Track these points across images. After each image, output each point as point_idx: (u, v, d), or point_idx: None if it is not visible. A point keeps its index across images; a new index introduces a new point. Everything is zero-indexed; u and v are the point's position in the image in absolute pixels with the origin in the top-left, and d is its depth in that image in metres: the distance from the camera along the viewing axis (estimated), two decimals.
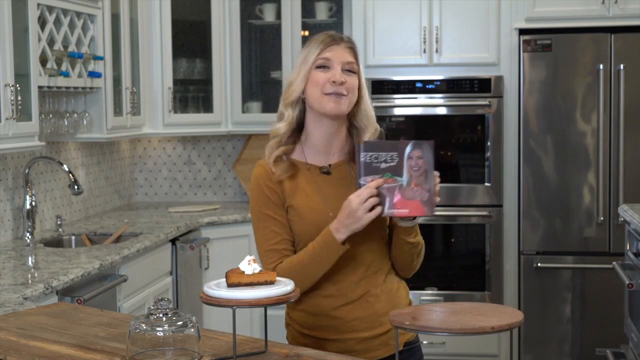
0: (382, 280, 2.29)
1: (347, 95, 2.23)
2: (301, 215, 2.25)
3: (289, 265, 2.22)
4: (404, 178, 2.10)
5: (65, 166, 4.05)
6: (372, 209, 2.10)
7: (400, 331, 2.25)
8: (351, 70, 2.25)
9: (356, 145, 2.15)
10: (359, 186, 2.12)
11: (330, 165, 2.29)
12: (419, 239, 2.28)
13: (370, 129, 2.29)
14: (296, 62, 2.33)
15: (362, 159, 2.11)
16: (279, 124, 2.31)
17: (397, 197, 2.10)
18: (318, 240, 2.19)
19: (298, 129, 2.31)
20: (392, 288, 2.31)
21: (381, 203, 2.11)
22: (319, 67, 2.25)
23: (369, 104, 2.30)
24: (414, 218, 2.18)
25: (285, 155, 2.29)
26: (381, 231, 2.27)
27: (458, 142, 4.91)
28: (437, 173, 2.12)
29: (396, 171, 2.11)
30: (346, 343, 2.25)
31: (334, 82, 2.22)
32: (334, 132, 2.29)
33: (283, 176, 2.26)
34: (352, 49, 2.28)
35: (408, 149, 2.11)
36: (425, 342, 4.60)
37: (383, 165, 2.11)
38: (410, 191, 2.10)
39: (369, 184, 2.10)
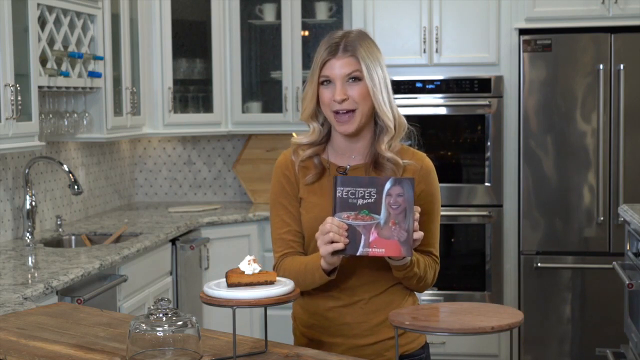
0: (381, 290, 2.24)
1: (355, 110, 2.18)
2: (307, 209, 2.25)
3: (290, 267, 2.22)
4: (382, 216, 2.00)
5: (65, 166, 4.05)
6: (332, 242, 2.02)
7: (400, 342, 2.26)
8: (356, 78, 2.18)
9: (333, 178, 2.06)
10: None
11: (349, 166, 2.26)
12: (415, 270, 2.16)
13: (390, 131, 2.21)
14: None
15: (337, 194, 2.02)
16: (301, 136, 2.29)
17: (373, 236, 2.00)
18: (313, 259, 2.15)
19: (328, 132, 2.30)
20: (393, 300, 2.25)
21: (350, 241, 2.01)
22: (323, 83, 2.21)
23: (384, 105, 2.19)
24: (403, 257, 2.07)
25: (317, 156, 2.28)
26: None
27: (458, 142, 4.91)
28: (417, 208, 2.03)
29: (373, 209, 2.01)
30: (336, 348, 2.23)
31: (335, 101, 2.18)
32: (355, 137, 2.25)
33: (311, 180, 2.26)
34: (354, 56, 2.18)
35: (387, 185, 2.01)
36: None
37: (360, 202, 2.01)
38: (387, 230, 2.00)
39: (334, 221, 2.01)
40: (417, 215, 2.03)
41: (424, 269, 2.20)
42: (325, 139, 2.30)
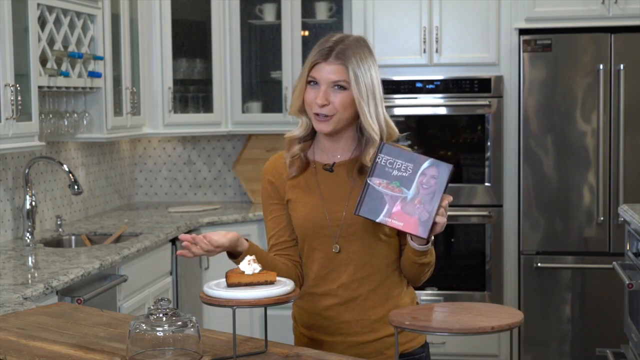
0: (376, 284, 2.24)
1: (332, 115, 2.19)
2: (296, 208, 2.27)
3: None
4: (411, 192, 2.05)
5: (65, 166, 4.05)
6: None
7: (399, 340, 2.25)
8: (342, 86, 2.19)
9: (380, 143, 2.12)
10: (367, 184, 2.08)
11: (334, 163, 2.28)
12: (430, 259, 2.20)
13: (375, 143, 2.19)
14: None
15: (377, 160, 2.08)
16: (294, 129, 2.32)
17: (396, 208, 2.05)
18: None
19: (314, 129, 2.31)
20: (390, 295, 2.26)
21: (374, 206, 2.06)
22: (310, 82, 2.22)
23: (369, 116, 2.19)
24: (427, 242, 2.11)
25: (303, 153, 2.30)
26: (378, 233, 2.21)
27: (458, 142, 4.91)
28: (449, 197, 2.06)
29: (405, 183, 2.05)
30: (336, 347, 2.23)
31: (316, 103, 2.20)
32: (338, 136, 2.27)
33: (294, 173, 2.28)
34: (344, 65, 2.18)
35: (425, 164, 2.05)
36: None
37: (395, 173, 2.06)
38: (411, 206, 2.04)
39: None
40: (446, 203, 2.05)
41: (433, 262, 2.23)
42: (312, 135, 2.31)
